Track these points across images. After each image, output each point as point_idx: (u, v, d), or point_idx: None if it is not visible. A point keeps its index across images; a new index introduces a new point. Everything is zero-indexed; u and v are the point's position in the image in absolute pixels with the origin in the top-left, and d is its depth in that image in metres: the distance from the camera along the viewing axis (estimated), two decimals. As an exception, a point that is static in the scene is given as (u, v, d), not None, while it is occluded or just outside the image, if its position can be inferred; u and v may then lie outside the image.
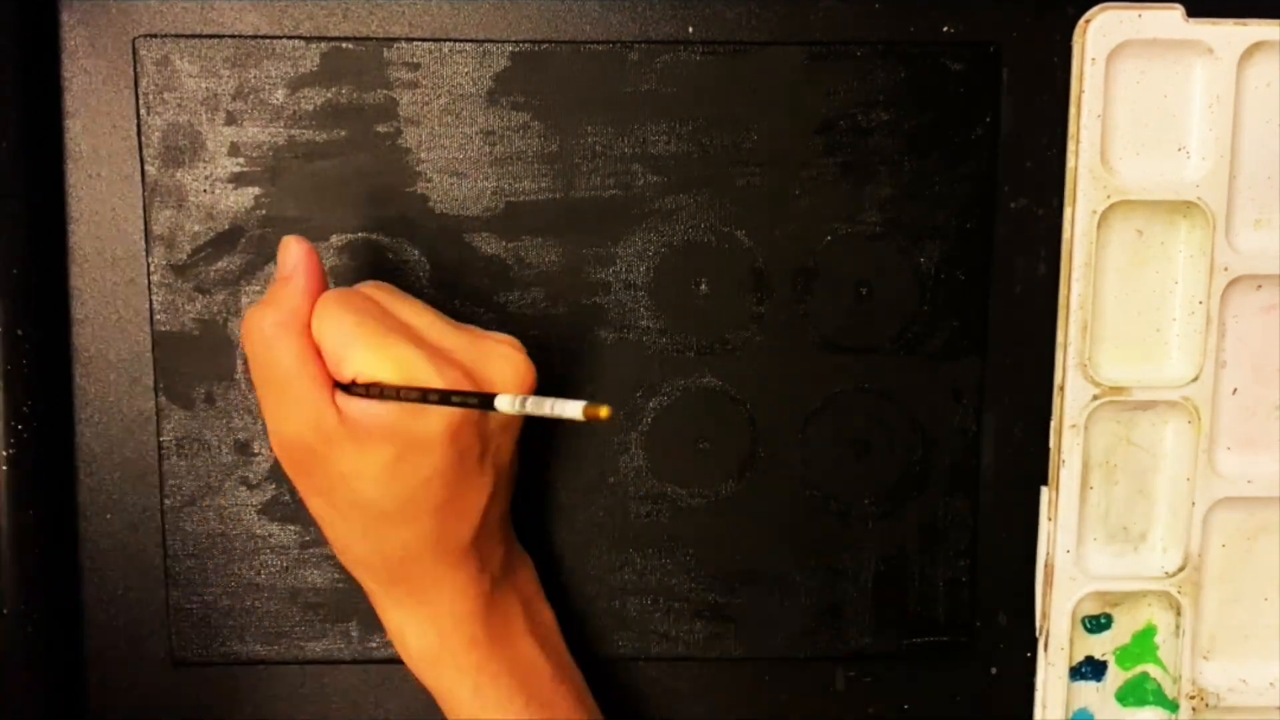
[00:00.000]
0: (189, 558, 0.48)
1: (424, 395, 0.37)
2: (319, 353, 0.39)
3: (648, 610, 0.49)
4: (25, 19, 0.44)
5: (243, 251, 0.46)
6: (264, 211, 0.46)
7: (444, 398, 0.37)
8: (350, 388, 0.39)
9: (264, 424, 0.42)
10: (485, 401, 0.36)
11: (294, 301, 0.39)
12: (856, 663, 0.50)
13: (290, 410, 0.39)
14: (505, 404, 0.35)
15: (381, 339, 0.38)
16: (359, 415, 0.38)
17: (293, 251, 0.40)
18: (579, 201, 0.47)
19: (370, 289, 0.41)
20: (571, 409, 0.33)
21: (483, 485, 0.41)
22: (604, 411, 0.32)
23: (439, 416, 0.38)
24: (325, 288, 0.40)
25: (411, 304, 0.40)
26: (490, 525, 0.42)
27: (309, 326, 0.39)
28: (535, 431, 0.46)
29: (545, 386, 0.47)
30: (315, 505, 0.41)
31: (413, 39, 0.46)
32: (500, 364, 0.40)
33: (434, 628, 0.42)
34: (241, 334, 0.40)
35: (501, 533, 0.44)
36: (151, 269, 0.46)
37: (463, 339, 0.40)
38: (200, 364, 0.47)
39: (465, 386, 0.38)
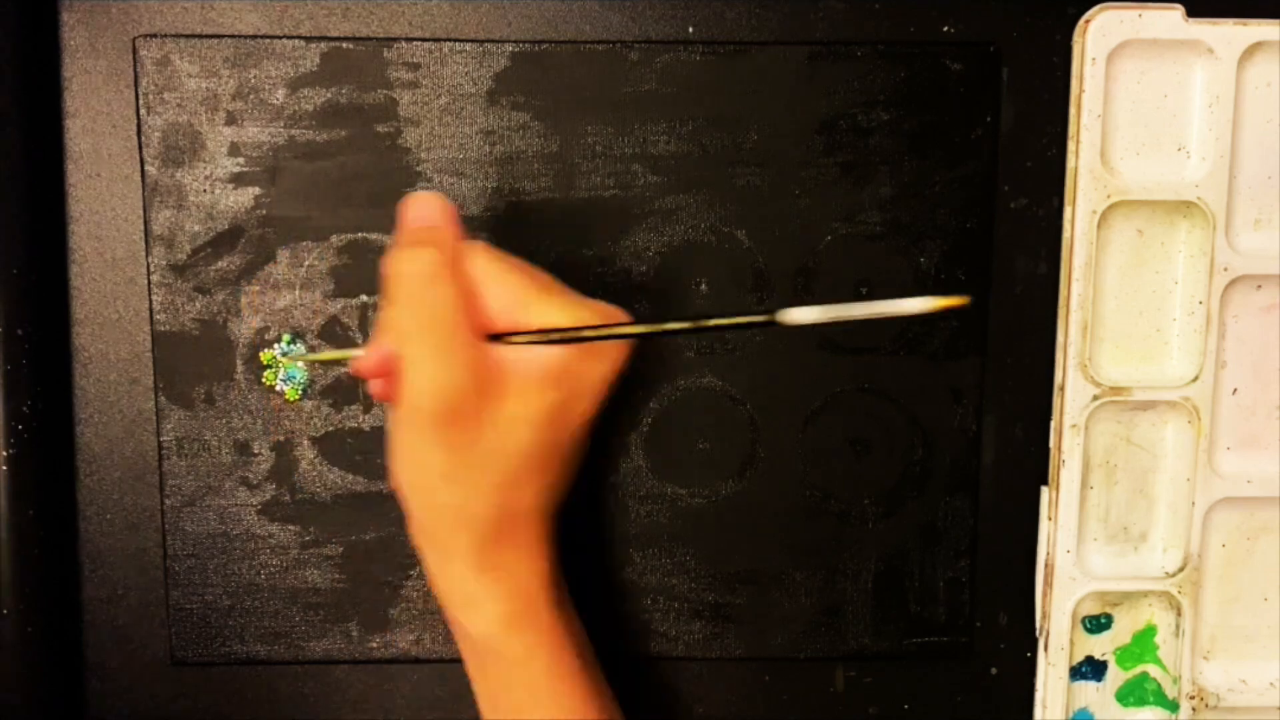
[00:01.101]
0: (189, 558, 0.48)
1: (589, 335, 0.38)
2: (474, 300, 0.39)
3: (648, 610, 0.49)
4: (25, 19, 0.44)
5: (243, 251, 0.46)
6: (264, 211, 0.46)
7: (706, 323, 0.37)
8: (502, 338, 0.39)
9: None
10: (766, 322, 0.35)
11: (451, 243, 0.39)
12: (856, 663, 0.50)
13: (451, 357, 0.38)
14: (807, 315, 0.35)
15: (549, 289, 0.39)
16: (534, 361, 0.39)
17: (434, 205, 0.40)
18: (579, 201, 0.47)
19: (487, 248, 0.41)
20: (916, 304, 0.34)
21: (586, 443, 0.42)
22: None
23: (607, 362, 0.40)
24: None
25: (529, 266, 0.41)
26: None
27: (462, 273, 0.39)
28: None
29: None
30: (437, 461, 0.39)
31: (413, 39, 0.46)
32: (607, 314, 0.41)
33: (521, 590, 0.41)
34: (392, 276, 0.38)
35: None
36: (151, 269, 0.46)
37: (583, 299, 0.40)
38: (200, 364, 0.47)
39: (618, 314, 0.40)
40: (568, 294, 0.40)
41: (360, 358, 0.40)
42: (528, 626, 0.41)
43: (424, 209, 0.40)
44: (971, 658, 0.50)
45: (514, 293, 0.39)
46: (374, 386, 0.41)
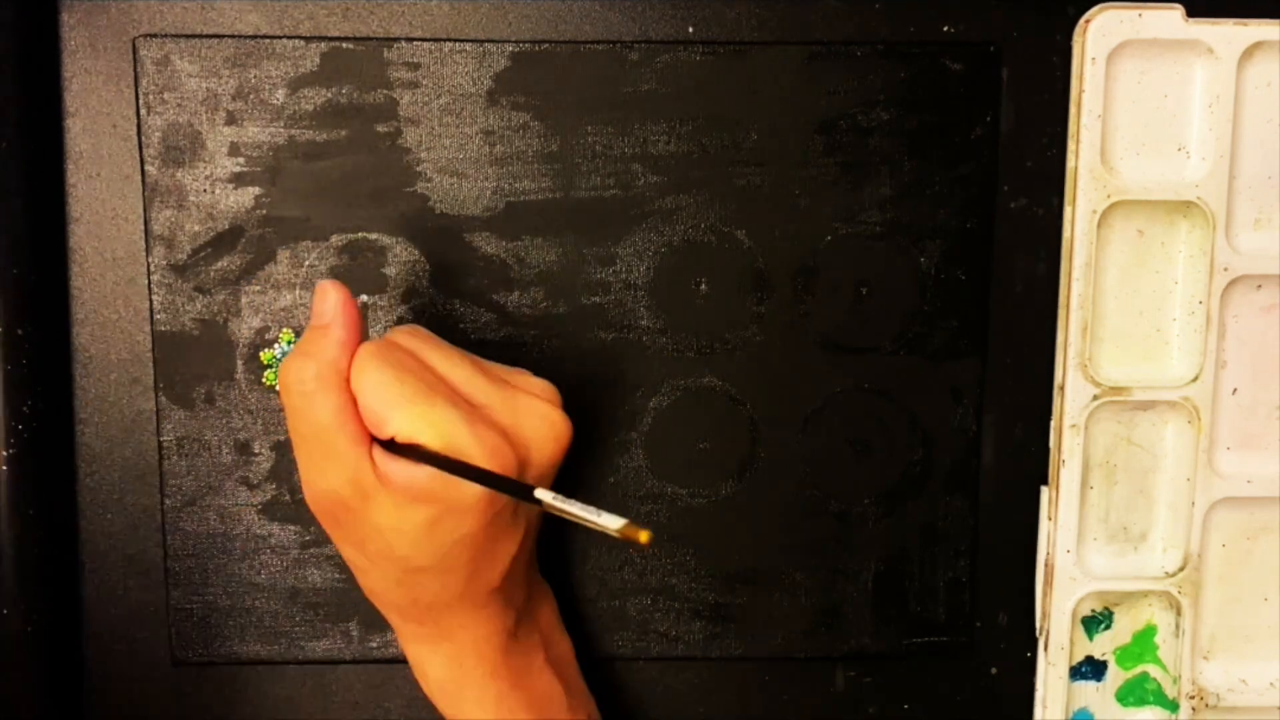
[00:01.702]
0: (189, 558, 0.48)
1: (462, 470, 0.37)
2: (357, 407, 0.38)
3: (648, 610, 0.49)
4: (25, 19, 0.44)
5: (243, 251, 0.46)
6: (264, 211, 0.46)
7: (481, 478, 0.37)
8: (388, 445, 0.38)
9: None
10: (524, 492, 0.36)
11: (332, 353, 0.38)
12: (856, 663, 0.50)
13: (327, 465, 0.38)
14: (546, 498, 0.35)
15: (422, 400, 0.38)
16: (397, 476, 0.38)
17: (331, 299, 0.39)
18: (579, 201, 0.47)
19: (405, 338, 0.40)
20: (610, 522, 0.33)
21: (514, 537, 0.41)
22: (644, 536, 0.32)
23: (476, 487, 0.38)
24: (363, 337, 0.39)
25: (447, 353, 0.40)
26: (517, 569, 0.42)
27: (348, 379, 0.38)
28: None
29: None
30: (347, 553, 0.41)
31: (413, 39, 0.46)
32: (536, 422, 0.40)
33: (456, 662, 0.42)
34: (280, 385, 0.39)
35: (527, 571, 0.44)
36: (151, 269, 0.46)
37: (499, 394, 0.39)
38: (200, 364, 0.47)
39: (503, 448, 0.38)
40: (458, 394, 0.39)
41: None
42: (468, 694, 0.42)
43: (323, 303, 0.39)
44: (971, 658, 0.50)
45: (385, 402, 0.38)
46: None
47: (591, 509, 0.34)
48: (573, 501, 0.35)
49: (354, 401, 0.38)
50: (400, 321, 0.47)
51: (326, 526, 0.41)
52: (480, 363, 0.40)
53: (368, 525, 0.39)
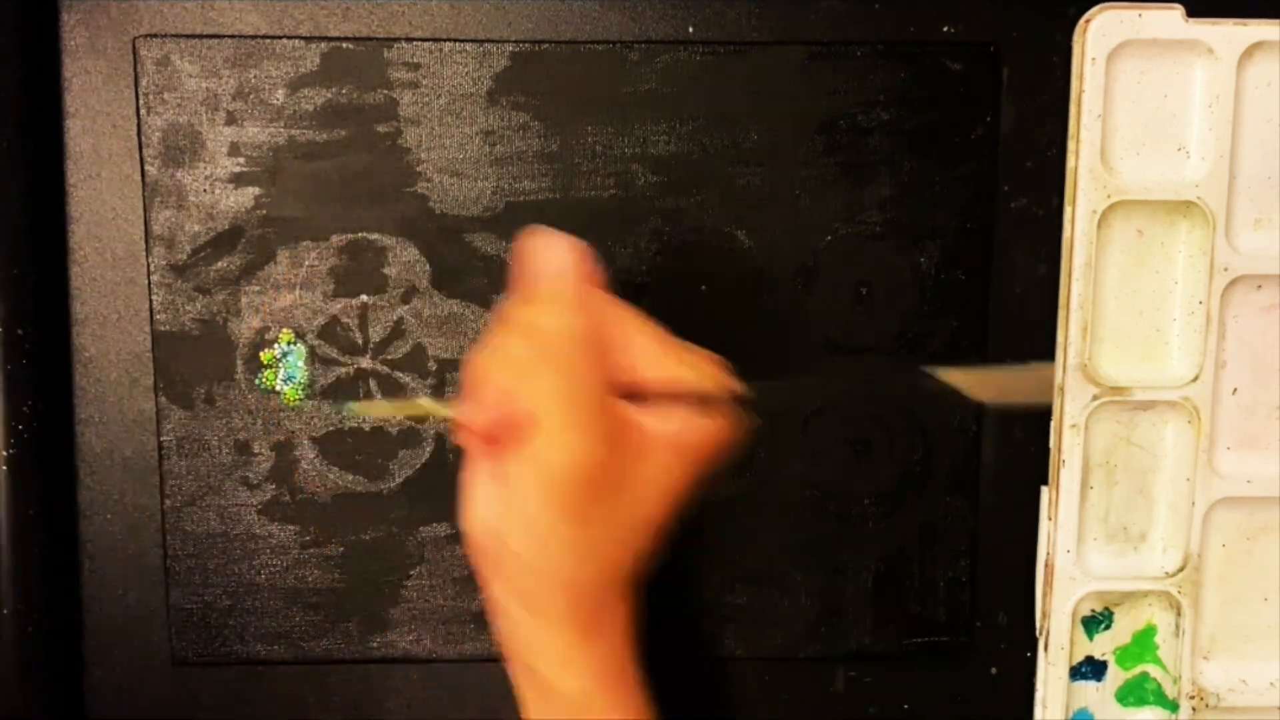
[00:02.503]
0: (189, 558, 0.48)
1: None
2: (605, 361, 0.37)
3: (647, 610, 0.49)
4: (25, 19, 0.44)
5: (243, 251, 0.46)
6: (264, 211, 0.46)
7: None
8: (642, 394, 0.37)
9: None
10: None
11: (592, 300, 0.37)
12: (856, 663, 0.50)
13: (594, 426, 0.36)
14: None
15: (682, 346, 0.38)
16: (671, 423, 0.37)
17: (568, 251, 0.38)
18: (579, 201, 0.47)
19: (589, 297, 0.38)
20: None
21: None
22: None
23: (724, 423, 0.38)
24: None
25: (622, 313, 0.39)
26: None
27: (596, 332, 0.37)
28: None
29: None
30: (566, 531, 0.37)
31: (413, 39, 0.46)
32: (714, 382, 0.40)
33: (616, 654, 0.39)
34: (531, 329, 0.36)
35: None
36: (151, 269, 0.46)
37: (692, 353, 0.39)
38: (200, 364, 0.47)
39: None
40: (683, 347, 0.39)
41: (469, 415, 0.37)
42: (620, 690, 0.39)
43: (556, 253, 0.37)
44: (971, 658, 0.50)
45: (648, 349, 0.37)
46: (473, 438, 0.38)
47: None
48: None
49: (606, 353, 0.37)
50: (400, 322, 0.47)
51: (558, 500, 0.36)
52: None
53: (622, 488, 0.37)
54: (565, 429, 0.36)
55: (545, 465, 0.36)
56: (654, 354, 0.37)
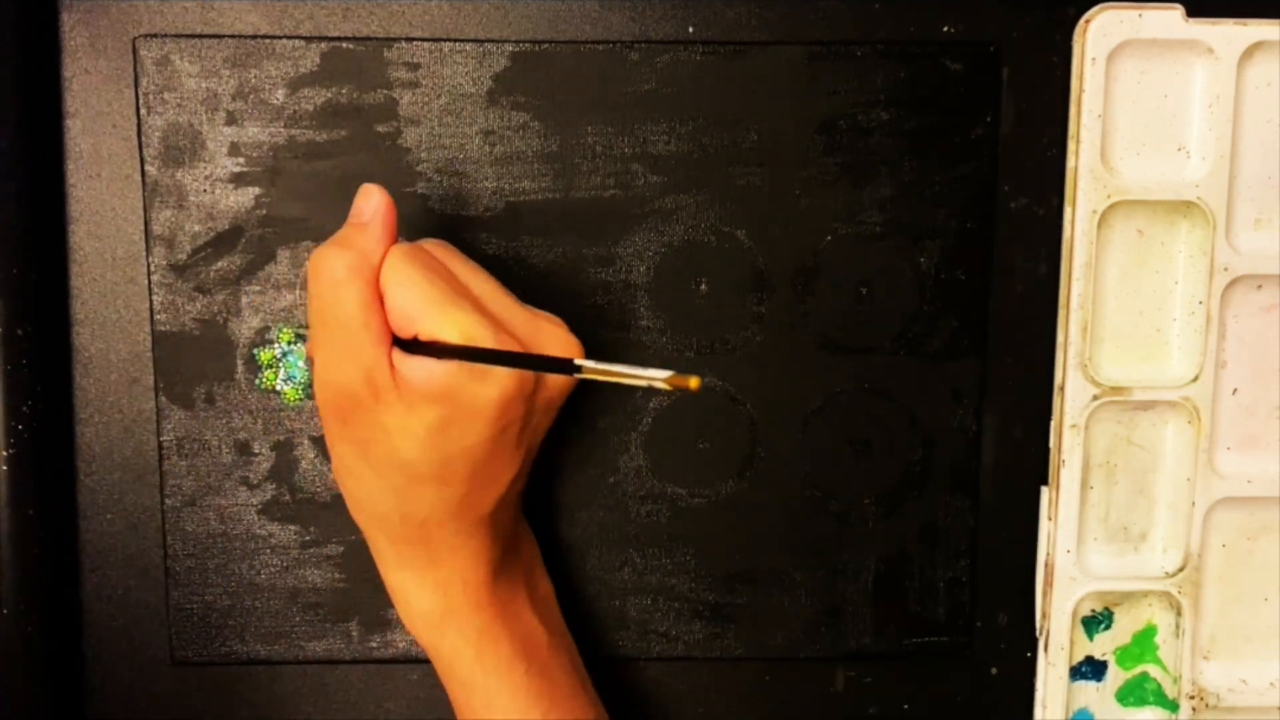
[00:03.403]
0: (189, 558, 0.48)
1: (492, 356, 0.37)
2: (383, 304, 0.39)
3: (648, 610, 0.49)
4: (25, 19, 0.44)
5: (243, 251, 0.46)
6: (264, 211, 0.46)
7: (516, 359, 0.37)
8: (408, 344, 0.39)
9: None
10: (564, 365, 0.36)
11: (368, 246, 0.39)
12: (856, 663, 0.50)
13: (346, 357, 0.39)
14: (588, 364, 0.35)
15: (450, 302, 0.38)
16: (416, 374, 0.38)
17: (373, 199, 0.39)
18: (579, 201, 0.47)
19: (435, 248, 0.41)
20: (655, 375, 0.32)
21: (515, 459, 0.41)
22: (694, 382, 0.31)
23: (494, 386, 0.38)
24: (395, 241, 0.40)
25: (474, 269, 0.41)
26: (510, 497, 0.42)
27: (378, 276, 0.39)
28: (535, 431, 0.46)
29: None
30: (344, 454, 0.41)
31: (413, 39, 0.46)
32: (553, 344, 0.40)
33: (442, 590, 0.42)
34: (309, 272, 0.39)
35: (516, 506, 0.44)
36: (151, 269, 0.46)
37: (519, 314, 0.40)
38: (200, 364, 0.47)
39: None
40: (482, 306, 0.39)
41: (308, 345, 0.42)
42: (451, 625, 0.42)
43: (365, 202, 0.40)
44: (971, 658, 0.50)
45: (413, 301, 0.38)
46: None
47: (632, 367, 0.34)
48: (612, 364, 0.35)
49: (380, 299, 0.39)
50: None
51: (332, 425, 0.41)
52: (502, 286, 0.41)
53: (376, 426, 0.39)
54: (322, 357, 0.39)
55: (315, 387, 0.40)
56: (430, 309, 0.38)
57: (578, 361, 0.36)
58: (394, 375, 0.38)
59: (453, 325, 0.38)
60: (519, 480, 0.42)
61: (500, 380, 0.38)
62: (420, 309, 0.38)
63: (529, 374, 0.39)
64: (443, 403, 0.38)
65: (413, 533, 0.41)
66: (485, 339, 0.38)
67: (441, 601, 0.42)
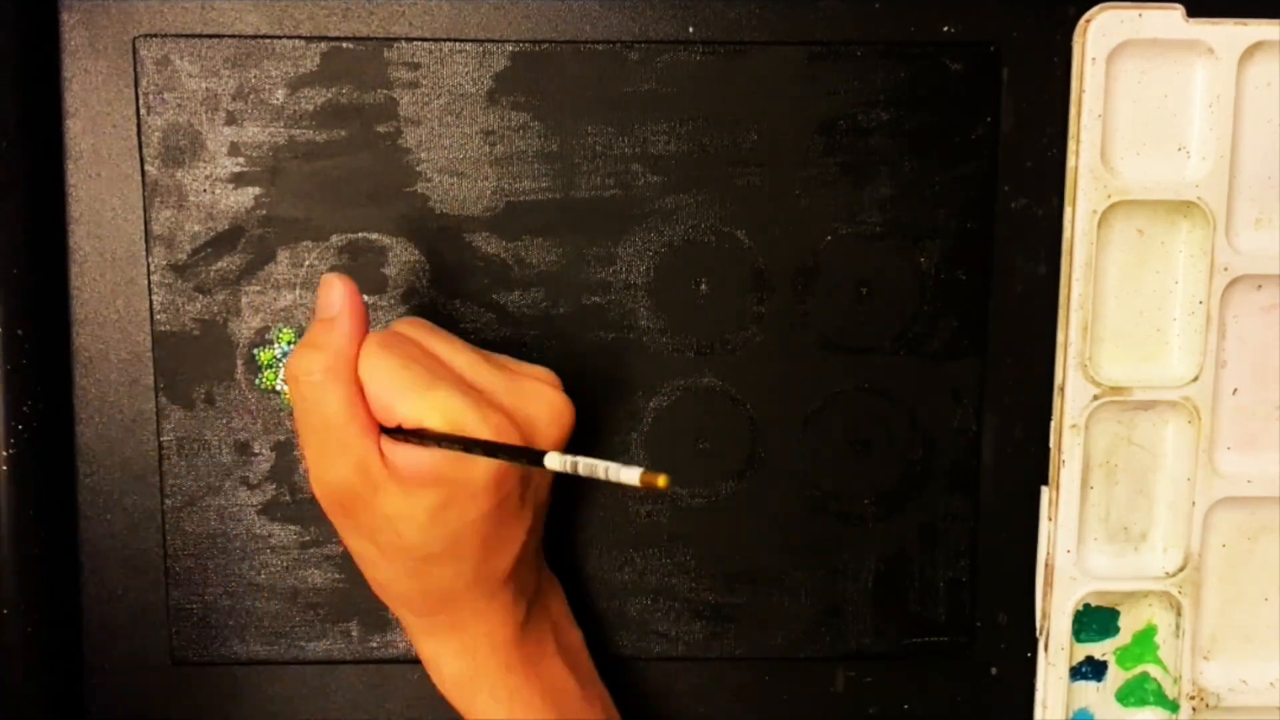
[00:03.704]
0: (189, 558, 0.48)
1: (470, 446, 0.37)
2: (364, 397, 0.39)
3: (648, 610, 0.49)
4: (25, 19, 0.44)
5: (243, 251, 0.46)
6: (264, 211, 0.46)
7: (491, 450, 0.37)
8: (395, 433, 0.39)
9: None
10: (534, 458, 0.36)
11: (340, 344, 0.39)
12: (856, 663, 0.50)
13: (336, 456, 0.39)
14: (554, 462, 0.35)
15: (428, 386, 0.38)
16: (405, 462, 0.38)
17: (337, 290, 0.39)
18: (579, 201, 0.47)
19: (409, 328, 0.41)
20: (627, 475, 0.32)
21: (522, 521, 0.41)
22: (662, 480, 0.31)
23: (485, 464, 0.38)
24: (368, 328, 0.40)
25: (450, 342, 0.41)
26: (527, 556, 0.42)
27: (355, 370, 0.39)
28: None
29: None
30: (357, 546, 0.41)
31: (413, 39, 0.46)
32: (539, 404, 0.40)
33: (470, 655, 0.42)
34: (287, 379, 0.40)
35: (535, 560, 0.44)
36: (151, 269, 0.46)
37: (502, 378, 0.40)
38: (200, 364, 0.47)
39: (508, 429, 0.39)
40: (463, 380, 0.39)
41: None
42: (482, 689, 0.43)
43: (329, 295, 0.40)
44: (971, 658, 0.50)
45: (393, 390, 0.38)
46: None
47: (604, 462, 0.34)
48: (580, 460, 0.35)
49: (362, 392, 0.39)
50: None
51: (336, 520, 0.41)
52: (482, 351, 0.41)
53: (378, 515, 0.39)
54: (312, 459, 0.40)
55: (313, 488, 0.41)
56: (410, 396, 0.38)
57: (546, 459, 0.35)
58: (386, 465, 0.39)
59: (433, 409, 0.38)
60: (532, 538, 0.42)
61: (489, 459, 0.38)
62: (400, 397, 0.38)
63: (517, 443, 0.39)
64: (438, 486, 0.38)
65: (435, 605, 0.42)
66: (467, 414, 0.38)
67: (471, 665, 0.42)
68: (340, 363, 0.39)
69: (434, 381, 0.38)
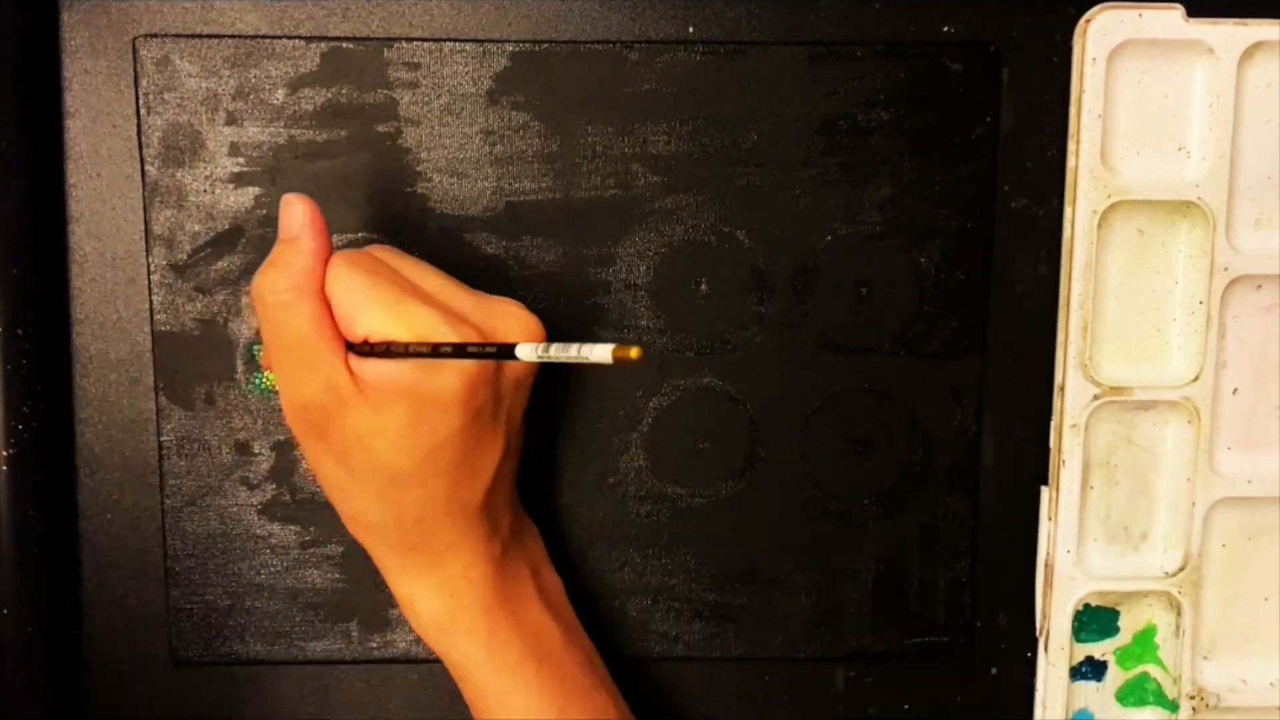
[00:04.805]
0: (189, 558, 0.48)
1: (437, 350, 0.37)
2: (332, 314, 0.39)
3: (648, 610, 0.49)
4: (25, 19, 0.44)
5: (243, 251, 0.46)
6: (264, 211, 0.46)
7: (460, 350, 0.37)
8: (362, 348, 0.38)
9: (273, 404, 0.43)
10: (505, 351, 0.36)
11: (305, 262, 0.39)
12: (856, 663, 0.50)
13: (305, 374, 0.39)
14: (527, 352, 0.35)
15: (395, 299, 0.38)
16: (374, 375, 0.38)
17: (297, 211, 0.39)
18: (579, 201, 0.47)
19: (379, 251, 0.41)
20: (599, 352, 0.32)
21: (495, 444, 0.41)
22: (634, 352, 0.31)
23: (455, 375, 0.38)
24: (331, 247, 0.40)
25: (420, 266, 0.41)
26: (501, 487, 0.42)
27: (322, 288, 0.39)
28: (536, 430, 0.46)
29: (545, 386, 0.47)
30: (327, 470, 0.41)
31: (413, 39, 0.46)
32: (510, 323, 0.40)
33: (447, 593, 0.42)
34: (252, 297, 0.39)
35: (510, 498, 0.44)
36: (151, 269, 0.46)
37: (471, 300, 0.40)
38: (200, 364, 0.47)
39: (478, 341, 0.38)
40: (431, 298, 0.39)
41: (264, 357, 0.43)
42: (461, 630, 0.42)
43: (289, 216, 0.39)
44: (971, 658, 0.50)
45: (359, 303, 0.38)
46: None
47: (575, 345, 0.34)
48: (552, 345, 0.35)
49: (329, 309, 0.39)
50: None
51: (307, 442, 0.41)
52: (452, 278, 0.41)
53: (349, 434, 0.39)
54: (281, 378, 0.40)
55: (283, 409, 0.41)
56: (376, 309, 0.38)
57: (518, 349, 0.35)
58: (355, 380, 0.38)
59: (399, 322, 0.38)
60: (506, 464, 0.42)
61: (460, 369, 0.38)
62: (367, 310, 0.38)
63: (481, 366, 0.39)
64: (407, 399, 0.38)
65: (409, 537, 0.41)
66: (436, 329, 0.38)
67: (448, 603, 0.42)
68: (305, 279, 0.38)
69: (401, 296, 0.38)
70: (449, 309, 0.39)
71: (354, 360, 0.39)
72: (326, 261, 0.39)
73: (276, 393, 0.47)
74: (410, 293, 0.39)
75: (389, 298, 0.38)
